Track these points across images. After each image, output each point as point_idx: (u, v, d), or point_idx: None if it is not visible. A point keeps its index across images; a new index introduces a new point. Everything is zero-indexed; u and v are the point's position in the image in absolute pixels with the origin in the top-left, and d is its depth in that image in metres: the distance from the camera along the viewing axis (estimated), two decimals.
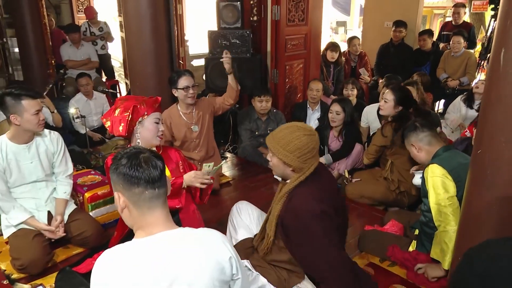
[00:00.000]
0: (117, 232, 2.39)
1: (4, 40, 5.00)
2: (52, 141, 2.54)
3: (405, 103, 3.12)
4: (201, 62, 6.34)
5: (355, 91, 4.51)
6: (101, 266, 1.21)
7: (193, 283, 1.20)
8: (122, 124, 2.18)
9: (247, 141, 4.08)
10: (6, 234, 2.50)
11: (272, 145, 1.80)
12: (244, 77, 4.15)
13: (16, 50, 5.22)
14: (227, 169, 4.02)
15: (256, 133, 4.09)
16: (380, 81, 4.71)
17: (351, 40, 5.76)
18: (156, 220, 1.27)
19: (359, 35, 6.52)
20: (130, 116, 2.16)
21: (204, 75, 4.50)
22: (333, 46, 5.29)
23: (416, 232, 2.52)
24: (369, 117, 4.00)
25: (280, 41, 4.26)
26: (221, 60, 3.42)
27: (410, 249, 2.41)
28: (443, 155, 2.29)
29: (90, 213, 2.87)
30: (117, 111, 2.20)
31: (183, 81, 3.21)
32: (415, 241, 2.44)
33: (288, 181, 1.85)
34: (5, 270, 2.38)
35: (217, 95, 4.95)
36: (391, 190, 3.08)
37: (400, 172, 3.07)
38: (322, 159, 3.65)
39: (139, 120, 2.20)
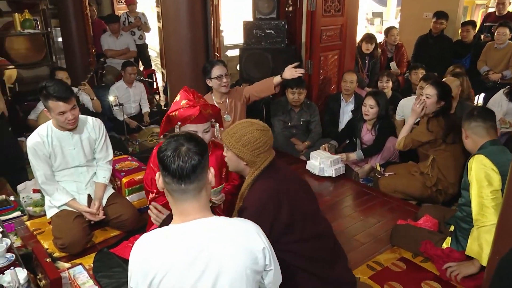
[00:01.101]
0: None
1: (49, 29, 5.20)
2: (94, 128, 2.63)
3: (446, 98, 3.04)
4: (235, 52, 6.37)
5: (390, 84, 4.42)
6: (138, 249, 1.26)
7: (225, 271, 1.23)
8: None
9: (279, 131, 4.09)
10: (49, 214, 2.64)
11: (227, 139, 1.82)
12: (278, 67, 4.14)
13: (60, 39, 5.43)
14: None
15: (289, 124, 4.09)
16: (414, 71, 4.57)
17: (389, 30, 5.62)
18: (188, 209, 1.29)
19: (396, 26, 6.35)
20: (164, 124, 2.29)
21: (238, 65, 4.54)
22: (368, 38, 5.19)
23: (451, 228, 2.47)
24: (405, 110, 3.91)
25: (315, 32, 4.22)
26: (295, 71, 3.37)
27: (444, 245, 2.36)
28: (489, 148, 2.23)
29: (127, 198, 2.98)
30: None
31: (216, 70, 3.25)
32: (449, 238, 2.39)
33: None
34: (47, 249, 2.50)
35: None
36: (427, 186, 3.02)
37: (440, 169, 2.99)
38: (354, 155, 3.62)
39: (176, 126, 2.27)
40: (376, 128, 3.61)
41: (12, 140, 3.25)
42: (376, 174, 3.38)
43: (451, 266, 2.20)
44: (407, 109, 3.87)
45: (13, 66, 5.29)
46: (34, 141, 2.46)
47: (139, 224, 2.68)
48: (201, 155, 1.27)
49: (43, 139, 2.47)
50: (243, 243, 1.27)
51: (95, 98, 4.31)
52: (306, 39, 4.29)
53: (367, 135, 3.69)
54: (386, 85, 4.38)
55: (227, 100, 3.41)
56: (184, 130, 2.23)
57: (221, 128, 2.55)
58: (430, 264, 2.34)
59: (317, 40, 4.28)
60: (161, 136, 2.29)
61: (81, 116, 2.60)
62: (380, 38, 5.96)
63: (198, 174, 1.26)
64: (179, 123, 2.24)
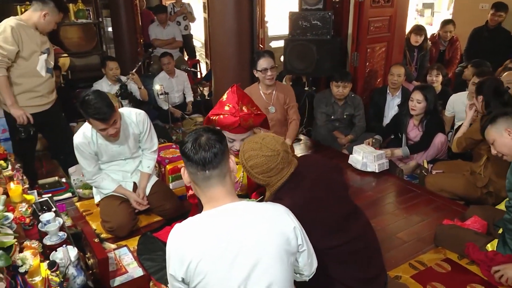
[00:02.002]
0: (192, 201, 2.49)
1: (100, 20, 5.39)
2: (138, 124, 2.61)
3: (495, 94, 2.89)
4: (279, 43, 6.33)
5: (440, 78, 4.23)
6: (173, 238, 1.29)
7: (260, 255, 1.24)
8: None
9: (322, 124, 4.04)
10: (96, 199, 2.77)
11: (240, 155, 1.75)
12: (323, 59, 4.09)
13: (110, 29, 5.61)
14: (300, 151, 4.02)
15: (332, 117, 4.03)
16: (468, 67, 4.35)
17: (444, 24, 5.31)
18: (216, 195, 1.33)
19: (448, 18, 6.05)
20: (205, 123, 2.32)
21: (282, 56, 4.51)
22: (418, 30, 4.97)
23: (500, 231, 2.35)
24: (456, 106, 3.74)
25: (363, 23, 4.12)
26: None
27: (489, 247, 2.25)
28: None
29: (170, 184, 3.06)
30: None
31: (262, 63, 3.24)
32: (496, 240, 2.27)
33: None
34: (95, 230, 2.62)
35: (293, 77, 4.96)
36: (478, 186, 2.87)
37: (494, 169, 2.83)
38: (399, 151, 3.51)
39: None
40: (423, 124, 3.49)
41: (65, 125, 3.41)
42: (423, 171, 3.27)
43: (498, 270, 2.10)
44: (458, 105, 3.71)
45: (66, 55, 5.53)
46: (79, 141, 2.50)
47: (181, 211, 2.75)
48: (220, 142, 1.33)
49: (88, 140, 2.50)
50: (275, 225, 1.29)
51: (142, 87, 4.44)
52: (353, 30, 4.19)
53: (414, 131, 3.57)
54: (436, 79, 4.20)
55: (274, 92, 3.39)
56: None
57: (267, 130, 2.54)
58: (477, 267, 2.24)
59: (365, 31, 4.17)
60: None
61: (125, 112, 2.60)
62: (430, 30, 5.70)
63: (220, 160, 1.31)
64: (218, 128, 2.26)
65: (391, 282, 2.06)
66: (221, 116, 2.18)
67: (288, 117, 3.46)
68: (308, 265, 1.41)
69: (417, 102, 3.41)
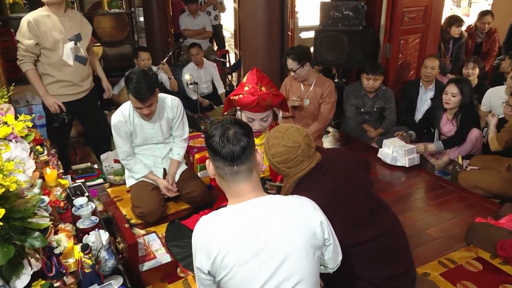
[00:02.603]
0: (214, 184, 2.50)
1: (132, 9, 5.45)
2: (172, 108, 2.69)
3: None
4: (309, 34, 6.26)
5: (476, 71, 4.07)
6: (199, 231, 1.29)
7: (289, 251, 1.23)
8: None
9: (351, 116, 3.98)
10: (128, 183, 2.82)
11: (265, 141, 1.74)
12: (355, 51, 4.02)
13: (142, 19, 5.66)
14: (329, 143, 3.98)
15: (362, 109, 3.96)
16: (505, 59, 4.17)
17: (482, 15, 5.10)
18: (242, 190, 1.31)
19: (487, 9, 5.81)
20: (226, 104, 2.40)
21: (312, 47, 4.45)
22: (458, 21, 4.79)
23: None
24: (492, 100, 3.60)
25: (397, 13, 4.00)
26: None
27: None
28: None
29: (198, 173, 3.10)
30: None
31: (288, 63, 3.22)
32: None
33: None
34: (125, 215, 2.68)
35: (323, 68, 4.89)
36: None
37: None
38: (432, 146, 3.42)
39: (237, 108, 2.32)
40: (457, 118, 3.38)
41: (100, 113, 3.49)
42: (457, 167, 3.17)
43: None
44: (495, 99, 3.57)
45: (99, 44, 5.64)
46: (117, 120, 2.59)
47: (208, 200, 2.78)
48: (248, 136, 1.30)
49: (125, 119, 2.59)
50: (301, 219, 1.28)
51: (172, 77, 4.48)
52: (386, 21, 4.09)
53: (447, 125, 3.46)
54: (472, 72, 4.04)
55: (312, 85, 3.34)
56: (242, 117, 2.31)
57: (287, 113, 2.56)
58: (510, 267, 2.17)
59: (398, 22, 4.06)
60: (225, 113, 2.38)
61: (160, 95, 2.66)
62: (467, 21, 5.49)
63: (248, 154, 1.29)
64: (238, 108, 2.29)
65: (419, 279, 2.02)
66: (241, 95, 2.26)
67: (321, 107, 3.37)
68: (333, 258, 1.40)
69: (452, 96, 3.31)
